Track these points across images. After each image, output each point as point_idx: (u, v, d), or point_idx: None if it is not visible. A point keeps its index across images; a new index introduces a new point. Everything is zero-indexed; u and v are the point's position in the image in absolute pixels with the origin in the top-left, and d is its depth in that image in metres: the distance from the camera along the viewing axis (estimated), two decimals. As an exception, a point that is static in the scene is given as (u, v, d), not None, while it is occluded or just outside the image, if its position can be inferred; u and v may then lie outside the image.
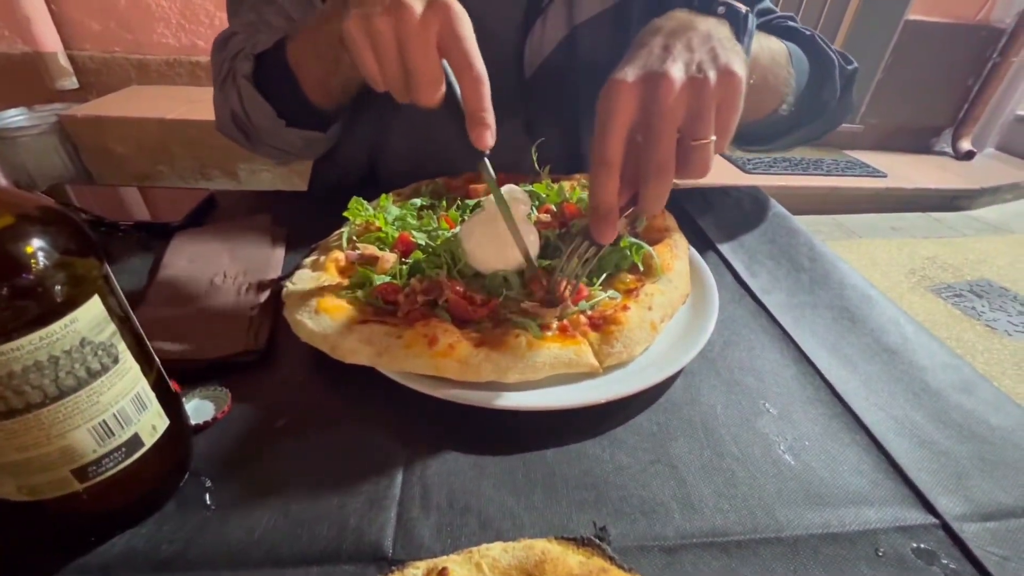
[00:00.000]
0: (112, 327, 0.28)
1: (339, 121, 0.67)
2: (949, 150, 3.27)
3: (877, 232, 2.61)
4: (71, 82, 2.49)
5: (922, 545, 0.33)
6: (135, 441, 0.30)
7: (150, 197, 0.76)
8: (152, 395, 0.31)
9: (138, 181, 2.27)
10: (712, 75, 0.38)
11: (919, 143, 3.28)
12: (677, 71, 0.38)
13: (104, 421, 0.28)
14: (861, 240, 2.53)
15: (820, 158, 3.00)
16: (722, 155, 3.01)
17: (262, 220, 0.64)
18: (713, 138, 0.39)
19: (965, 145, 3.18)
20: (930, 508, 0.35)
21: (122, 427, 0.29)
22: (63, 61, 2.43)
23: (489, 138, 0.40)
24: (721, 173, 2.74)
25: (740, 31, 0.45)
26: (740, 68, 0.39)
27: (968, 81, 3.07)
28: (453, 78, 0.41)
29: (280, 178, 2.39)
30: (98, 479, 0.29)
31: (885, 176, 2.84)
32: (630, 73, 0.39)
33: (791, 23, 0.67)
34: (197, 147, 2.28)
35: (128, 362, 0.29)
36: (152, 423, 0.31)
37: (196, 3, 2.44)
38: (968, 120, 3.16)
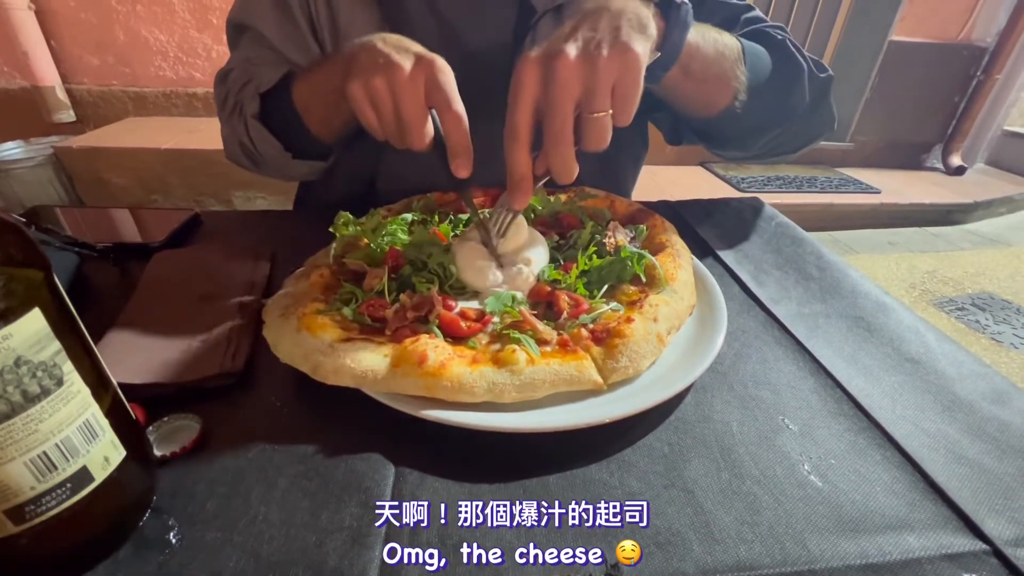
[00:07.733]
0: (56, 345, 0.25)
1: (339, 150, 0.71)
2: (940, 166, 3.30)
3: (874, 248, 2.60)
4: (68, 115, 2.51)
5: (975, 576, 0.29)
6: (83, 475, 0.27)
7: (142, 219, 0.74)
8: (105, 423, 0.28)
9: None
10: (606, 51, 0.40)
11: (910, 159, 3.32)
12: (573, 49, 0.41)
13: (44, 453, 0.25)
14: (859, 255, 2.52)
15: (814, 176, 3.02)
16: (715, 174, 3.00)
17: (246, 239, 0.61)
18: (610, 111, 0.41)
19: (955, 160, 3.22)
20: (978, 532, 0.32)
21: (67, 460, 0.26)
22: (60, 94, 2.45)
23: (466, 169, 0.46)
24: (715, 192, 2.75)
25: (672, 23, 0.47)
26: (639, 46, 0.41)
27: (954, 98, 3.12)
28: (440, 124, 0.46)
29: (276, 205, 2.39)
30: (38, 520, 0.25)
31: (879, 192, 2.85)
32: (535, 51, 0.42)
33: (768, 29, 0.65)
34: (192, 176, 2.28)
35: (75, 385, 0.26)
36: (105, 454, 0.28)
37: (194, 37, 2.48)
38: (957, 136, 3.20)
